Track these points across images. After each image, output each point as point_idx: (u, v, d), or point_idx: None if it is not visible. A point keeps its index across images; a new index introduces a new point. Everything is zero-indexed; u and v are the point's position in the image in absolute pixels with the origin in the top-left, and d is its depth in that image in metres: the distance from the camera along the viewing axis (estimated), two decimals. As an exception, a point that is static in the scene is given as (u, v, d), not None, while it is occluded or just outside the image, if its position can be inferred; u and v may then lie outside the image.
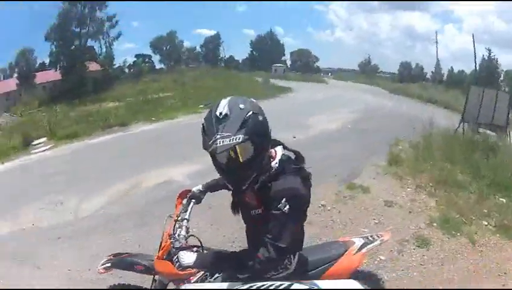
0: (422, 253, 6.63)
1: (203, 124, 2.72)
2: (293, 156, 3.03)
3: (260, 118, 2.71)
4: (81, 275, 6.32)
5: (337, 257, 3.39)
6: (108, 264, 3.60)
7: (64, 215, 9.08)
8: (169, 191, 9.48)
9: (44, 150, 17.02)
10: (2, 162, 15.44)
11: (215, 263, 2.95)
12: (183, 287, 2.77)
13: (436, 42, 34.29)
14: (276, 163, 2.87)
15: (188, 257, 2.88)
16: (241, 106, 2.65)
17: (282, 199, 2.67)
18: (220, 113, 2.62)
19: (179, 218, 3.40)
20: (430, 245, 6.86)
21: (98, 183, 10.82)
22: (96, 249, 7.05)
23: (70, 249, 7.27)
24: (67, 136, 18.42)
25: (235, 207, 3.25)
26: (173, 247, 3.10)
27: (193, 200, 3.68)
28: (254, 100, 2.82)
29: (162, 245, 3.21)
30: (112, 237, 7.65)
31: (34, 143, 18.20)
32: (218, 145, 2.57)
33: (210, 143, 2.60)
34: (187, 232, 3.26)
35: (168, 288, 3.24)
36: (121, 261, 3.61)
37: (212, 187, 3.77)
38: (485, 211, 8.21)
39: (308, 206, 2.98)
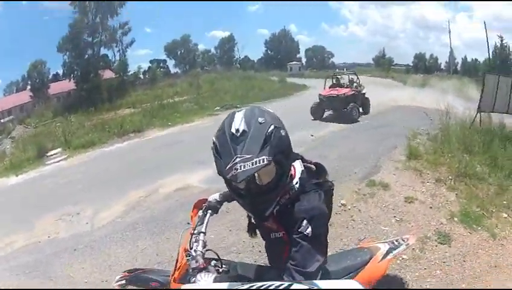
0: (445, 250, 6.47)
1: (215, 144, 2.41)
2: (313, 168, 2.78)
3: (282, 132, 2.40)
4: (97, 286, 6.21)
5: (363, 265, 3.22)
6: (123, 281, 3.43)
7: (80, 226, 8.95)
8: (186, 197, 9.44)
9: (59, 161, 16.97)
10: (16, 175, 15.43)
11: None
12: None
13: (449, 32, 33.67)
14: (297, 182, 2.58)
15: (204, 281, 2.59)
16: (260, 119, 2.34)
17: (303, 221, 2.40)
18: (237, 130, 2.30)
19: (195, 231, 3.09)
20: (451, 241, 6.71)
21: (114, 192, 10.67)
22: (114, 259, 7.03)
23: (87, 260, 7.14)
24: (82, 146, 18.42)
25: (252, 229, 3.08)
26: (190, 267, 2.79)
27: (209, 211, 3.37)
28: (271, 110, 2.52)
29: (178, 264, 2.93)
30: (129, 245, 7.52)
31: (48, 154, 18.16)
32: (239, 171, 2.24)
33: (227, 168, 2.27)
34: (204, 246, 2.91)
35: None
36: (135, 278, 3.44)
37: (230, 197, 3.32)
38: (505, 202, 8.07)
39: (330, 219, 2.69)
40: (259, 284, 2.01)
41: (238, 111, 2.41)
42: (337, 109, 19.45)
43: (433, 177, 9.32)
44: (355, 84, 21.20)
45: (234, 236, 7.17)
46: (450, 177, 9.17)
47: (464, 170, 9.28)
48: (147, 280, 3.34)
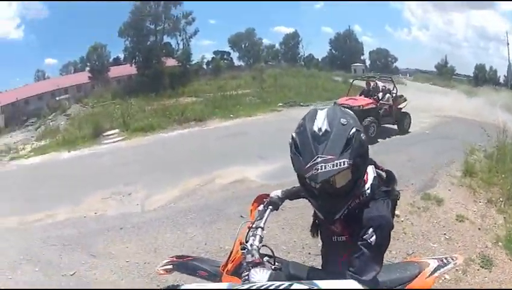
0: (485, 274, 6.24)
1: (294, 141, 2.27)
2: (384, 176, 2.64)
3: (363, 136, 2.28)
4: (138, 267, 6.18)
5: (411, 279, 3.12)
6: (170, 266, 3.31)
7: (130, 206, 8.91)
8: (242, 190, 9.39)
9: (115, 141, 17.00)
10: (69, 151, 15.52)
11: None
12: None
13: (508, 44, 32.10)
14: (368, 188, 2.45)
15: (259, 276, 2.45)
16: (343, 120, 2.22)
17: (369, 229, 2.29)
18: (319, 129, 2.19)
19: (254, 225, 3.03)
20: (492, 266, 6.44)
21: (170, 177, 10.55)
22: (161, 243, 7.01)
23: (133, 240, 7.15)
24: (141, 129, 18.33)
25: (315, 230, 3.00)
26: (244, 260, 2.68)
27: (270, 207, 3.27)
28: (352, 113, 2.39)
29: (233, 256, 2.83)
30: (178, 231, 7.45)
31: (105, 134, 18.17)
32: (320, 171, 2.12)
33: (308, 167, 2.15)
34: (260, 241, 2.86)
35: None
36: (183, 265, 3.32)
37: (293, 195, 3.35)
38: None
39: (393, 228, 2.45)
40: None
41: (320, 109, 2.31)
42: None
43: (485, 197, 9.02)
44: (387, 95, 16.64)
45: (286, 235, 7.12)
46: (501, 199, 8.86)
47: (515, 193, 9.06)
48: (195, 267, 3.23)
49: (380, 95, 16.35)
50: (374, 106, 15.66)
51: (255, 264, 2.58)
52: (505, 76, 33.75)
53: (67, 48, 27.36)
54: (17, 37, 27.25)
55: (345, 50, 36.78)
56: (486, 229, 7.58)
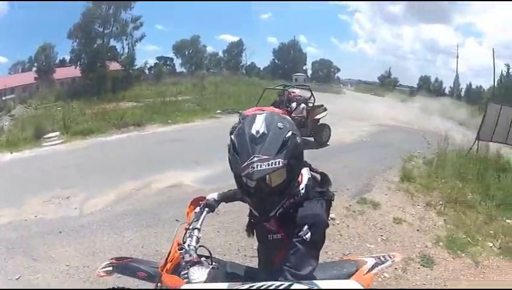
0: (426, 272, 6.56)
1: (232, 142, 2.43)
2: (318, 178, 2.81)
3: (298, 139, 2.44)
4: (79, 271, 6.25)
5: (348, 277, 3.24)
6: (110, 268, 3.41)
7: (69, 210, 9.00)
8: (178, 195, 9.58)
9: (55, 144, 16.99)
10: (11, 152, 15.48)
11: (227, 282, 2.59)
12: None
13: (457, 56, 33.18)
14: (303, 188, 2.61)
15: (198, 274, 2.60)
16: (280, 124, 2.39)
17: (304, 227, 2.43)
18: (257, 132, 2.34)
19: (190, 227, 3.16)
20: (434, 265, 6.78)
21: (107, 181, 10.69)
22: (98, 247, 7.08)
23: (72, 244, 7.21)
24: (81, 132, 18.32)
25: (251, 229, 3.07)
26: (183, 260, 2.81)
27: (206, 209, 3.40)
28: (289, 118, 2.57)
29: (171, 256, 2.94)
30: (115, 235, 7.58)
31: (46, 136, 18.12)
32: (255, 169, 2.28)
33: (244, 166, 2.31)
34: (197, 242, 2.99)
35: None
36: (123, 266, 3.42)
37: (228, 198, 3.51)
38: (492, 232, 8.11)
39: (327, 227, 2.65)
40: (259, 284, 1.97)
41: (259, 114, 2.46)
42: None
43: (424, 201, 9.41)
44: (302, 105, 15.83)
45: (221, 238, 7.28)
46: (441, 202, 9.27)
47: (455, 196, 9.36)
48: (134, 269, 3.33)
49: (294, 105, 15.78)
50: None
51: (193, 263, 2.69)
52: (451, 87, 34.73)
53: (18, 46, 27.01)
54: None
55: (288, 60, 36.92)
56: (425, 231, 8.01)
